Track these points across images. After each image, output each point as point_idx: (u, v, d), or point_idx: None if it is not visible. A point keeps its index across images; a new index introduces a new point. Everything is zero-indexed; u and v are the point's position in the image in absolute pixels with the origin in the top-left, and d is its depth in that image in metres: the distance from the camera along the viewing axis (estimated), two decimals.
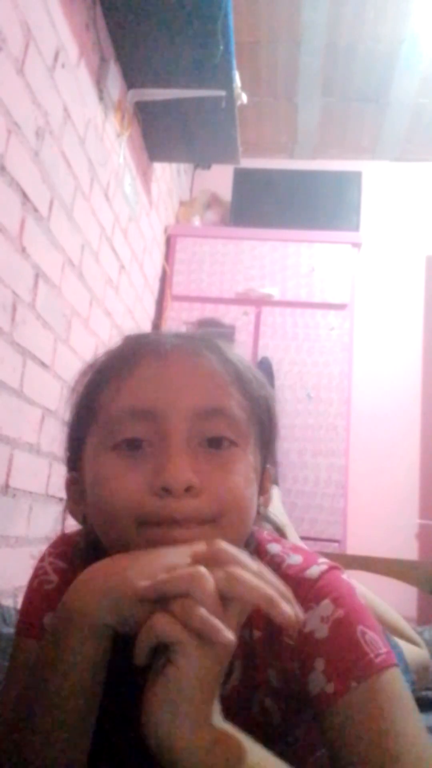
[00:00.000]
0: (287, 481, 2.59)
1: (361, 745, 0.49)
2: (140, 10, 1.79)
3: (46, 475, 1.60)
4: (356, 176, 3.06)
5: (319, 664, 0.54)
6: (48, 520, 1.64)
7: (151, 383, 0.56)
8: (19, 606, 1.44)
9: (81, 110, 1.72)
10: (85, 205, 1.80)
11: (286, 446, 2.63)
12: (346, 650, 0.54)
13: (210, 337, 0.63)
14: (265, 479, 0.64)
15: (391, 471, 3.00)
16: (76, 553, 0.64)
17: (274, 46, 2.72)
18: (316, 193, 3.06)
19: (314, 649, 0.55)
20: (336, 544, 2.52)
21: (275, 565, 0.60)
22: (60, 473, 1.69)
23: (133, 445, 0.55)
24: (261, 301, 2.81)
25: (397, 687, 0.52)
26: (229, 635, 0.43)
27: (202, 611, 0.44)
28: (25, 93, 1.37)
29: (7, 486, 1.39)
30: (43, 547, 1.69)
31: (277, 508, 1.78)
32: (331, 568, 0.60)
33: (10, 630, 1.16)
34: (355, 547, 2.59)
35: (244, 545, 0.60)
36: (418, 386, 3.11)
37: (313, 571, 0.59)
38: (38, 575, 0.64)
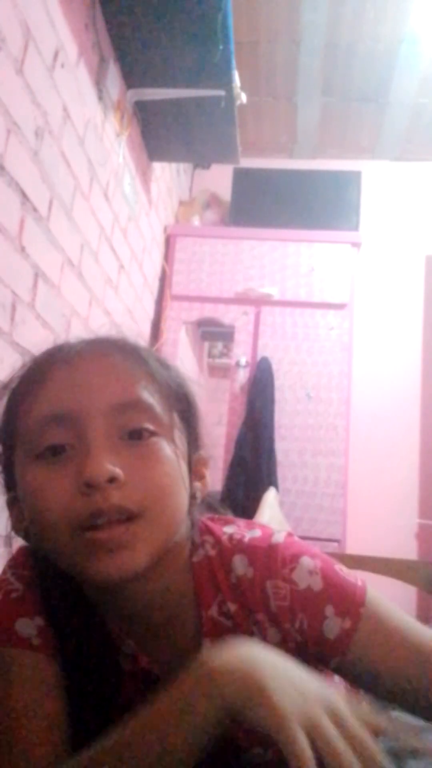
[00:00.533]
0: (287, 480, 2.59)
1: (390, 655, 0.58)
2: (140, 10, 1.79)
3: None
4: (356, 176, 3.06)
5: (329, 610, 0.60)
6: None
7: (63, 388, 0.57)
8: None
9: (80, 110, 1.72)
10: (85, 205, 1.80)
11: (286, 446, 2.63)
12: (341, 589, 0.61)
13: (115, 336, 0.64)
14: (199, 464, 0.65)
15: (390, 471, 3.00)
16: (37, 557, 0.64)
17: (273, 45, 2.72)
18: (315, 193, 3.06)
19: (319, 600, 0.60)
20: (335, 544, 2.52)
21: (237, 542, 0.64)
22: None
23: (56, 451, 0.56)
24: (260, 301, 2.81)
25: (379, 602, 0.61)
26: None
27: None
28: (24, 93, 1.37)
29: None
30: None
31: (274, 510, 1.78)
32: (289, 533, 0.66)
33: None
34: (354, 546, 2.59)
35: (186, 535, 0.63)
36: (418, 386, 3.11)
37: (278, 537, 0.64)
38: (2, 587, 0.63)
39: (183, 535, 0.61)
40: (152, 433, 0.58)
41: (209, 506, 0.69)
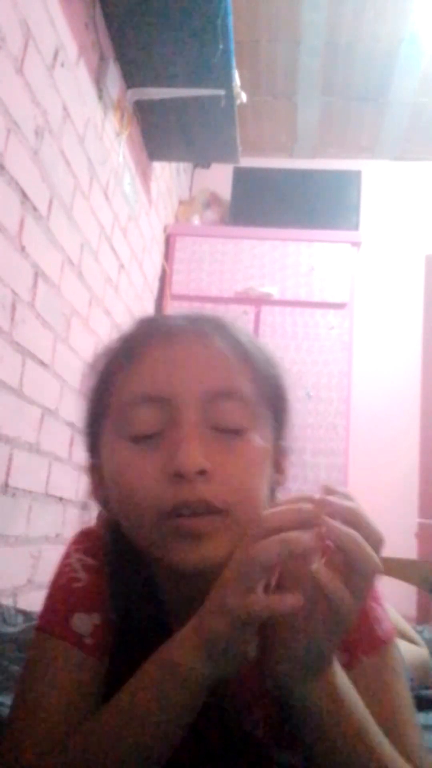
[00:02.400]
0: (287, 480, 2.59)
1: (368, 711, 0.54)
2: (140, 9, 1.79)
3: (45, 474, 1.60)
4: (356, 175, 3.06)
5: None
6: (47, 520, 1.64)
7: (160, 367, 0.56)
8: (18, 605, 1.44)
9: (80, 109, 1.72)
10: (85, 204, 1.80)
11: None
12: (358, 625, 0.56)
13: (218, 317, 0.62)
14: (281, 458, 0.63)
15: (390, 470, 3.00)
16: (104, 549, 0.63)
17: (273, 45, 2.72)
18: (315, 193, 3.06)
19: None
20: None
21: None
22: (59, 472, 1.69)
23: (146, 431, 0.55)
24: (260, 301, 2.81)
25: (397, 659, 0.58)
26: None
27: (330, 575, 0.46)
28: (24, 92, 1.37)
29: (6, 485, 1.39)
30: (43, 547, 1.69)
31: None
32: None
33: (10, 630, 1.17)
34: None
35: None
36: (418, 385, 3.11)
37: None
38: (65, 572, 0.63)
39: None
40: (245, 427, 0.56)
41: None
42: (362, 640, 0.57)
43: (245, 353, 0.58)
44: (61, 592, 0.61)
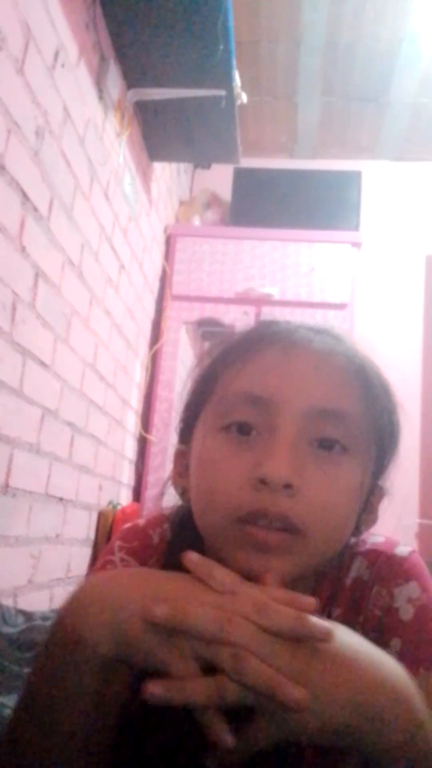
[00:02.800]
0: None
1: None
2: (140, 9, 1.79)
3: (45, 474, 1.60)
4: (356, 176, 3.06)
5: (396, 643, 0.55)
6: (48, 520, 1.64)
7: (272, 372, 0.55)
8: (18, 605, 1.44)
9: (81, 110, 1.72)
10: (85, 205, 1.80)
11: None
12: (423, 638, 0.55)
13: (341, 332, 0.61)
14: (375, 497, 0.61)
15: (390, 471, 2.99)
16: (150, 551, 0.62)
17: (274, 45, 2.72)
18: (316, 193, 3.06)
19: (395, 628, 0.56)
20: None
21: (359, 546, 0.61)
22: (59, 473, 1.69)
23: (243, 429, 0.54)
24: (261, 301, 2.81)
25: None
26: (299, 693, 0.40)
27: (261, 665, 0.40)
28: (24, 92, 1.37)
29: (6, 486, 1.39)
30: (43, 547, 1.69)
31: None
32: (414, 550, 0.62)
33: (11, 630, 1.17)
34: None
35: (338, 558, 0.59)
36: (418, 386, 3.11)
37: (402, 550, 0.60)
38: (107, 569, 0.61)
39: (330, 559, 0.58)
40: (343, 449, 0.54)
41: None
42: (424, 655, 0.55)
43: (363, 376, 0.57)
44: None
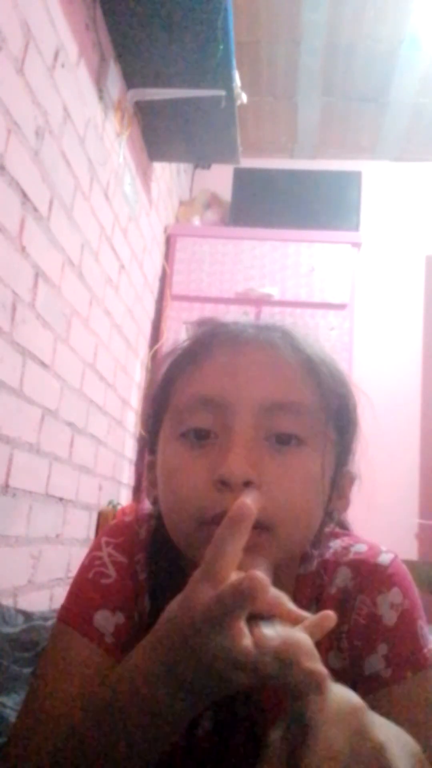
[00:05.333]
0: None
1: (404, 728, 0.51)
2: (140, 10, 1.79)
3: (45, 474, 1.60)
4: (356, 176, 3.06)
5: (382, 648, 0.56)
6: (48, 520, 1.64)
7: (222, 373, 0.55)
8: (18, 605, 1.44)
9: (81, 110, 1.72)
10: (85, 205, 1.80)
11: None
12: (408, 641, 0.56)
13: (288, 326, 0.61)
14: (345, 482, 0.61)
15: (390, 471, 2.99)
16: (137, 547, 0.62)
17: (274, 46, 2.72)
18: (316, 193, 3.06)
19: (380, 633, 0.57)
20: None
21: (341, 555, 0.61)
22: (59, 473, 1.69)
23: (200, 434, 0.54)
24: (261, 301, 2.81)
25: None
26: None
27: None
28: (24, 92, 1.37)
29: (6, 486, 1.39)
30: (43, 547, 1.69)
31: None
32: (396, 556, 0.62)
33: (11, 630, 1.16)
34: None
35: (312, 547, 0.59)
36: (418, 386, 3.11)
37: (384, 558, 0.61)
38: (95, 565, 0.61)
39: (305, 550, 0.58)
40: (300, 442, 0.54)
41: (339, 524, 0.65)
42: (411, 658, 0.55)
43: (311, 367, 0.57)
44: (88, 586, 0.60)
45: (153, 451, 0.62)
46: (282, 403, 0.54)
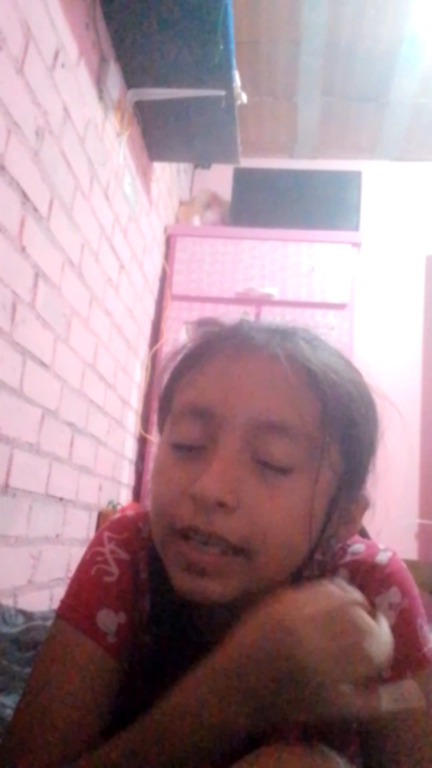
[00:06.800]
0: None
1: (402, 729, 0.51)
2: (140, 10, 1.79)
3: (45, 474, 1.60)
4: (356, 176, 3.06)
5: None
6: (48, 520, 1.64)
7: (216, 382, 0.53)
8: (18, 605, 1.44)
9: (81, 110, 1.72)
10: (85, 205, 1.80)
11: None
12: (407, 641, 0.55)
13: (298, 336, 0.56)
14: (354, 507, 0.58)
15: (390, 471, 2.99)
16: (139, 544, 0.61)
17: (274, 45, 2.72)
18: (315, 193, 3.06)
19: None
20: None
21: (339, 557, 0.61)
22: (59, 473, 1.69)
23: (187, 444, 0.53)
24: (261, 301, 2.81)
25: None
26: None
27: None
28: (24, 93, 1.37)
29: (6, 486, 1.39)
30: (43, 547, 1.69)
31: None
32: (394, 554, 0.61)
33: (11, 630, 1.17)
34: None
35: (319, 567, 0.58)
36: (418, 386, 3.11)
37: (382, 557, 0.60)
38: (97, 561, 0.60)
39: (283, 579, 0.55)
40: (291, 467, 0.51)
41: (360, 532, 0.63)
42: (410, 658, 0.55)
43: (315, 384, 0.53)
44: (91, 583, 0.59)
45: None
46: (274, 424, 0.51)
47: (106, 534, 0.62)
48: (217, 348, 0.55)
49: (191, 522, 0.49)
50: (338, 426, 0.54)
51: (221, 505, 0.49)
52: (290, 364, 0.52)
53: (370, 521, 0.69)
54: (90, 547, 0.62)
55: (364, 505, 0.60)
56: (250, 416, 0.51)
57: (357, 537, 0.65)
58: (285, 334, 0.56)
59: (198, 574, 0.50)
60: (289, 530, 0.51)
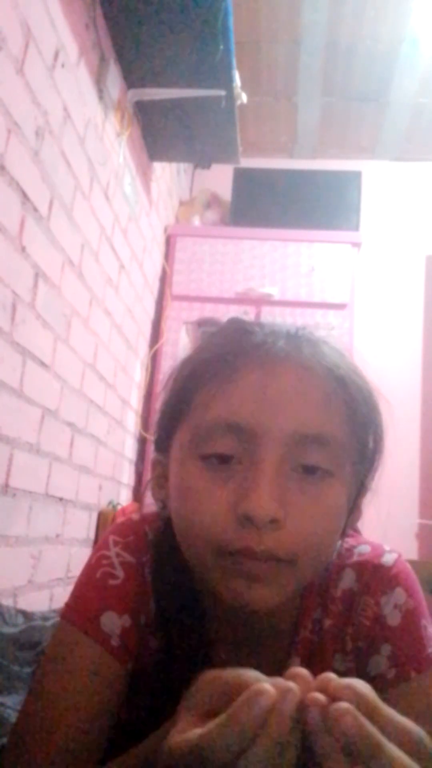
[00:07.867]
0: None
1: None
2: (140, 10, 1.79)
3: (45, 474, 1.60)
4: (356, 176, 3.06)
5: (386, 649, 0.57)
6: (48, 520, 1.64)
7: (251, 396, 0.51)
8: (18, 605, 1.44)
9: (81, 110, 1.72)
10: (85, 205, 1.80)
11: None
12: (412, 641, 0.56)
13: (322, 345, 0.57)
14: (360, 497, 0.60)
15: (390, 471, 2.99)
16: (145, 547, 0.61)
17: (274, 45, 2.72)
18: (316, 193, 3.06)
19: (384, 634, 0.57)
20: None
21: (346, 557, 0.62)
22: (59, 473, 1.69)
23: (223, 458, 0.51)
24: (261, 301, 2.81)
25: None
26: None
27: None
28: (24, 93, 1.37)
29: (6, 486, 1.39)
30: (43, 547, 1.69)
31: None
32: (399, 556, 0.62)
33: (11, 630, 1.17)
34: None
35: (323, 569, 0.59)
36: (418, 386, 3.11)
37: (388, 558, 0.61)
38: (102, 565, 0.60)
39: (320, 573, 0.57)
40: (327, 473, 0.52)
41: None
42: (414, 657, 0.55)
43: (346, 393, 0.54)
44: (96, 586, 0.59)
45: (161, 450, 0.60)
46: (312, 435, 0.51)
47: (112, 538, 0.62)
48: (246, 358, 0.53)
49: (244, 544, 0.49)
50: (364, 434, 0.56)
51: (273, 521, 0.49)
52: (321, 371, 0.53)
53: (370, 521, 0.69)
54: (96, 551, 0.62)
55: (365, 491, 0.62)
56: (289, 430, 0.51)
57: (363, 538, 0.66)
58: (308, 340, 0.56)
59: (252, 583, 0.50)
60: (331, 534, 0.53)
